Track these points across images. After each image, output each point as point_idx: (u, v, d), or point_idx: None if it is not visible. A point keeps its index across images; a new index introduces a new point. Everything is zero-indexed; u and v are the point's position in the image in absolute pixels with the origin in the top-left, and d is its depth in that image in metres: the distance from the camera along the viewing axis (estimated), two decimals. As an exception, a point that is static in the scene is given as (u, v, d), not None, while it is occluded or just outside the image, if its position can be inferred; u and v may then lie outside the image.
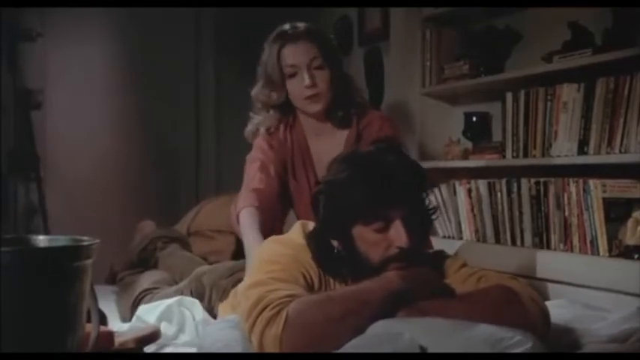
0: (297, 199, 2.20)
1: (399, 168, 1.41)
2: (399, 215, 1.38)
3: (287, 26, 2.10)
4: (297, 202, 2.21)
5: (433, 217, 1.50)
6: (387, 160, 1.42)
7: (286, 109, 2.17)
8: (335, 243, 1.46)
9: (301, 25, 2.10)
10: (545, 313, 1.40)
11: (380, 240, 1.40)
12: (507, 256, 2.41)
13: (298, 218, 2.19)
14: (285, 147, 2.18)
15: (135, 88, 3.86)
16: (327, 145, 2.15)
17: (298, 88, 2.07)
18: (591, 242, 2.18)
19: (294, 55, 2.05)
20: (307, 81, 2.04)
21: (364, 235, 1.41)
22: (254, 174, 2.12)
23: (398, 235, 1.38)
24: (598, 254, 2.16)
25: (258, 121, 2.19)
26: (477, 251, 2.51)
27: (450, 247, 2.56)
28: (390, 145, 1.48)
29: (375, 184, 1.38)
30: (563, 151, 2.33)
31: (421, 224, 1.45)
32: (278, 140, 2.18)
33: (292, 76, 2.06)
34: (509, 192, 2.47)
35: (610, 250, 2.13)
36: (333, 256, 1.46)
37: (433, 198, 1.54)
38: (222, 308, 1.81)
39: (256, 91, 2.15)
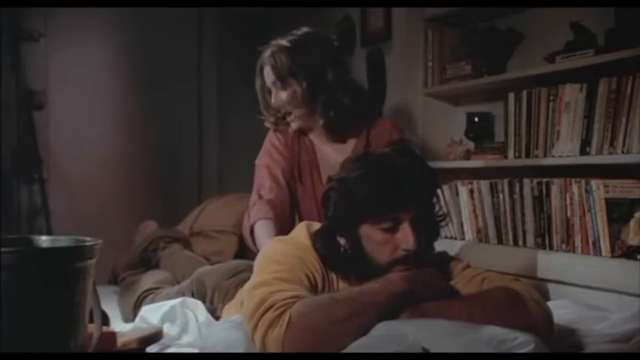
0: (301, 202, 2.22)
1: (411, 170, 1.42)
2: (408, 217, 1.39)
3: (263, 48, 2.19)
4: (301, 205, 2.22)
5: (442, 223, 1.51)
6: (401, 161, 1.42)
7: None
8: (342, 241, 1.46)
9: (271, 45, 2.17)
10: (548, 315, 1.40)
11: (387, 240, 1.40)
12: (509, 257, 2.41)
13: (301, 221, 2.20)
14: (293, 150, 2.21)
15: (137, 88, 3.87)
16: (336, 151, 2.18)
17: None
18: (594, 243, 2.18)
19: (266, 77, 2.17)
20: (273, 103, 2.17)
21: (372, 235, 1.41)
22: (263, 181, 2.16)
23: (405, 237, 1.39)
24: (600, 255, 2.16)
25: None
26: (479, 252, 2.51)
27: (452, 247, 2.57)
28: (405, 147, 1.48)
29: (387, 184, 1.39)
30: (566, 151, 2.33)
31: (429, 228, 1.45)
32: (286, 142, 2.21)
33: (270, 94, 2.18)
34: (511, 192, 2.47)
35: (612, 250, 2.13)
36: (339, 254, 1.46)
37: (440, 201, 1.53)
38: (226, 310, 1.80)
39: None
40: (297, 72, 2.11)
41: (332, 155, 2.17)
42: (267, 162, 2.18)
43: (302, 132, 2.22)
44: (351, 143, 2.19)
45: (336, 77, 2.13)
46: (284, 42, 2.14)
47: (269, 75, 2.15)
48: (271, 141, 2.23)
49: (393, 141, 1.56)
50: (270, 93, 2.18)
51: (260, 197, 2.12)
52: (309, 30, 2.19)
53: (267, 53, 2.15)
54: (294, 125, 2.19)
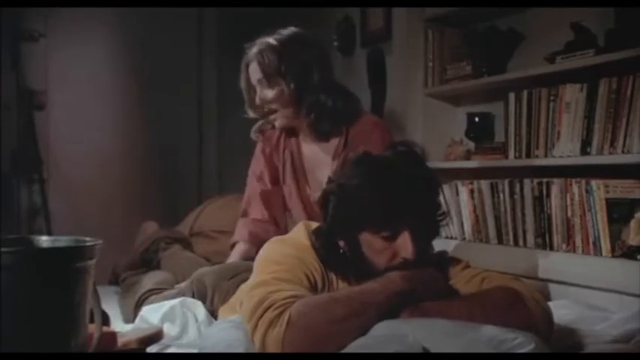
0: (288, 200, 2.28)
1: (413, 178, 1.41)
2: (408, 226, 1.38)
3: (249, 45, 2.18)
4: (288, 202, 2.28)
5: (442, 222, 1.49)
6: (402, 168, 1.41)
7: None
8: (341, 243, 1.46)
9: (258, 42, 2.16)
10: (548, 314, 1.39)
11: (386, 247, 1.40)
12: (510, 257, 2.41)
13: (292, 217, 2.24)
14: (279, 154, 2.25)
15: (137, 88, 3.87)
16: (320, 149, 2.19)
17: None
18: (594, 243, 2.18)
19: (252, 74, 2.16)
20: (257, 100, 2.16)
21: (371, 242, 1.41)
22: (249, 193, 2.32)
23: (405, 246, 1.38)
24: (601, 255, 2.16)
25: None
26: (479, 252, 2.51)
27: (452, 247, 2.57)
28: (407, 151, 1.47)
29: (388, 194, 1.38)
30: (566, 151, 2.33)
31: (429, 233, 1.45)
32: (271, 148, 2.27)
33: (255, 92, 2.18)
34: (511, 192, 2.47)
35: (613, 250, 2.13)
36: (338, 255, 1.46)
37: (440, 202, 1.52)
38: (222, 312, 1.80)
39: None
40: (286, 72, 2.11)
41: (317, 154, 2.19)
42: (255, 171, 2.30)
43: (288, 131, 2.23)
44: (334, 142, 2.18)
45: (322, 79, 2.14)
46: (272, 40, 2.14)
47: (255, 72, 2.14)
48: (257, 150, 2.31)
49: (398, 142, 1.54)
50: (255, 91, 2.17)
51: (245, 214, 2.31)
52: (296, 30, 2.18)
53: (254, 50, 2.14)
54: (278, 123, 2.19)
